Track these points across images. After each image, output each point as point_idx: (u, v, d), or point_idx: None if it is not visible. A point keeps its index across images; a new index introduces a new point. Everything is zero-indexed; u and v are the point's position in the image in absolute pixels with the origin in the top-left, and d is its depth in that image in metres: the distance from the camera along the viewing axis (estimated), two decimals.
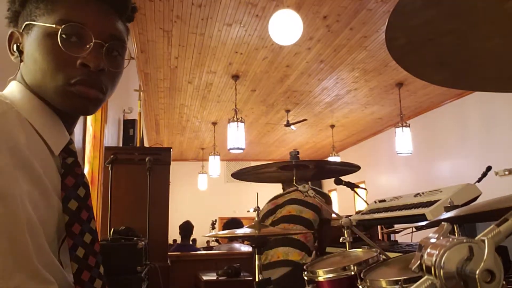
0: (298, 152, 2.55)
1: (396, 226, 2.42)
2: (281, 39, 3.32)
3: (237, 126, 5.19)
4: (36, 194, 0.62)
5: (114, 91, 0.79)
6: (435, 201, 1.88)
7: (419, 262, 0.47)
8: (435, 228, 0.50)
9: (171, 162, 3.18)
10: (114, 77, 0.76)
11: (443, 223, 0.50)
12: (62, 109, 0.73)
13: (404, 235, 2.35)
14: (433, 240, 0.48)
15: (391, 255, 1.21)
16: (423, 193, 2.10)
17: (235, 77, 5.25)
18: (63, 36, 0.69)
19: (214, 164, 7.49)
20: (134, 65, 4.72)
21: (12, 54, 0.75)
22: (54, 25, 0.69)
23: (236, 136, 5.18)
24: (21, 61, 0.74)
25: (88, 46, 0.70)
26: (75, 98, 0.70)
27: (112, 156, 2.75)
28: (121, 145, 3.79)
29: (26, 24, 0.72)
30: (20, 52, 0.74)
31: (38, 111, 0.71)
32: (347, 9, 3.75)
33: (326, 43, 4.40)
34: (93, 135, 2.93)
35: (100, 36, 0.71)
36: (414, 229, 2.11)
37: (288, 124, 6.58)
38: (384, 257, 1.12)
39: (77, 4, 0.71)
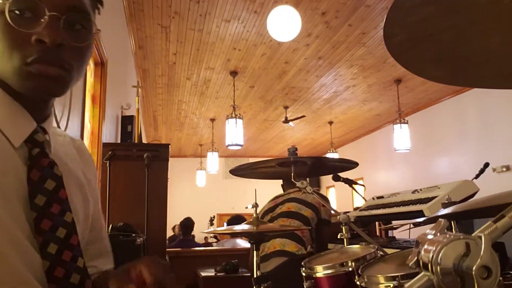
0: (296, 149, 2.55)
1: (394, 223, 2.42)
2: (280, 35, 3.32)
3: (236, 123, 5.19)
4: None
5: (84, 68, 0.72)
6: (433, 198, 1.89)
7: (416, 258, 0.48)
8: (433, 225, 0.50)
9: (169, 159, 3.18)
10: (79, 52, 0.69)
11: (440, 219, 0.51)
12: (24, 92, 0.67)
13: (402, 232, 2.36)
14: (430, 237, 0.48)
15: (389, 251, 1.22)
16: (421, 190, 2.10)
17: (233, 73, 5.25)
18: (14, 12, 0.63)
19: (212, 160, 7.49)
20: (132, 61, 4.71)
21: None
22: (1, 1, 0.63)
23: (234, 132, 5.18)
24: None
25: (42, 20, 0.64)
26: (35, 78, 0.64)
27: (110, 153, 2.75)
28: (119, 141, 3.79)
29: None
30: None
31: None
32: (346, 5, 3.74)
33: (325, 40, 4.39)
34: (91, 132, 2.92)
35: (56, 8, 0.65)
36: (411, 226, 2.12)
37: (286, 121, 6.58)
38: (381, 253, 1.13)
39: None
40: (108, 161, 2.73)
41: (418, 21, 0.55)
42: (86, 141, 2.82)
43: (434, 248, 0.45)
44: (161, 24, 4.01)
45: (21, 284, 0.60)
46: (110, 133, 3.52)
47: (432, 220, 1.16)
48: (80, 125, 2.48)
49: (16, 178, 0.65)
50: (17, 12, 0.63)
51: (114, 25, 3.35)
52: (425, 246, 0.46)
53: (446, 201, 1.41)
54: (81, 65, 0.71)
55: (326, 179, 10.69)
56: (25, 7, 0.64)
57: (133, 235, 2.15)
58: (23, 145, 0.68)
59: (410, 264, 0.48)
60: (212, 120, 7.40)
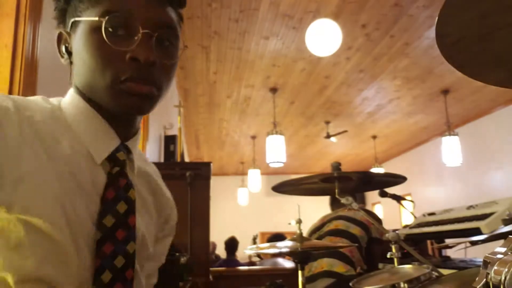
0: (339, 164, 2.48)
1: (447, 241, 2.28)
2: (319, 50, 3.29)
3: (276, 139, 5.14)
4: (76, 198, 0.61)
5: (170, 86, 0.71)
6: (491, 214, 1.76)
7: (484, 280, 0.43)
8: (495, 242, 0.45)
9: (211, 177, 3.19)
10: (168, 70, 0.69)
11: (510, 236, 0.45)
12: (114, 110, 0.66)
13: (457, 251, 2.22)
14: (500, 256, 0.43)
15: (444, 272, 1.13)
16: (476, 205, 1.97)
17: (273, 90, 5.25)
18: (109, 29, 0.63)
19: (254, 178, 7.46)
20: (173, 81, 4.83)
21: (62, 57, 0.71)
22: (97, 18, 0.63)
23: (275, 149, 5.14)
24: (71, 62, 0.69)
25: (136, 38, 0.64)
26: (127, 97, 0.64)
27: None
28: (162, 160, 3.86)
29: (73, 22, 0.67)
30: (69, 53, 0.69)
31: (83, 115, 0.67)
32: (387, 17, 3.66)
33: (366, 52, 4.31)
34: None
35: (148, 26, 0.65)
36: (468, 244, 1.98)
37: (328, 136, 6.48)
38: (436, 274, 1.04)
39: None
40: None
41: (473, 19, 0.51)
42: None
43: (506, 269, 0.40)
44: (202, 44, 4.10)
45: None
46: (153, 153, 3.60)
47: (494, 237, 1.07)
48: None
49: (91, 194, 0.63)
50: (111, 29, 0.63)
51: None
52: (495, 267, 0.41)
53: (507, 217, 1.30)
54: (169, 82, 0.70)
55: (372, 196, 10.38)
56: (120, 24, 0.64)
57: (177, 254, 2.14)
58: (105, 162, 0.67)
59: (478, 286, 0.43)
60: (253, 137, 7.42)
